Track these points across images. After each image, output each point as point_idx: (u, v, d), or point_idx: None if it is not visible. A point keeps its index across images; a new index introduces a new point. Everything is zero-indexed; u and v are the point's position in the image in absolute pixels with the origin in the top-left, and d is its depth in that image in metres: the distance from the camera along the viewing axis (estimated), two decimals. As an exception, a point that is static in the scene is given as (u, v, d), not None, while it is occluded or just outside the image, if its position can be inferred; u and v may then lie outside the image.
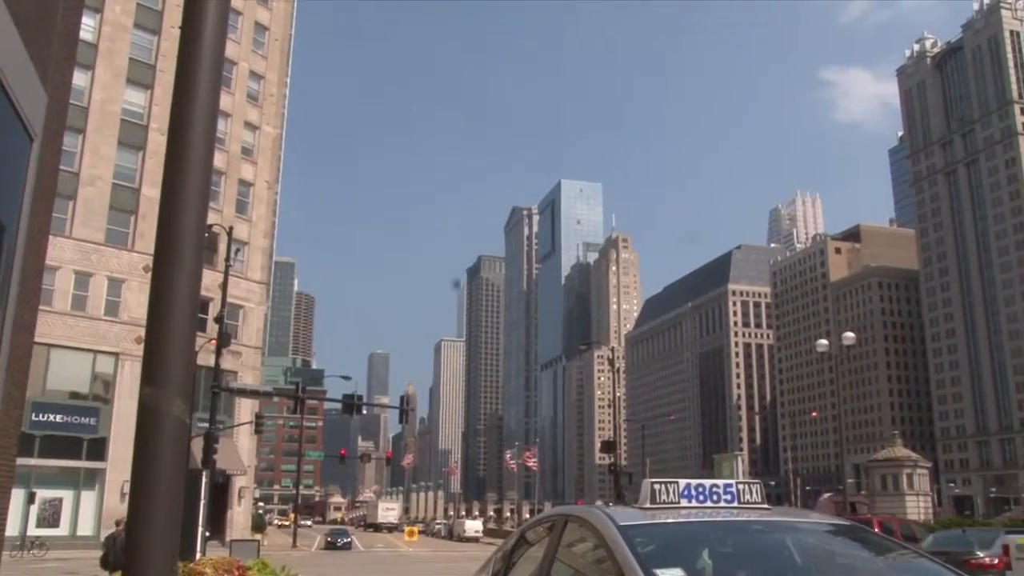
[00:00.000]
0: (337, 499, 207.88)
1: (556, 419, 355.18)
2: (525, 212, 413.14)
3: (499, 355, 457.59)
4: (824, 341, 49.50)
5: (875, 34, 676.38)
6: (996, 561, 15.48)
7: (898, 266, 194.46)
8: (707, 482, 5.15)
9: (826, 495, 79.87)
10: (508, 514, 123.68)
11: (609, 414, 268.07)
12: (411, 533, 62.71)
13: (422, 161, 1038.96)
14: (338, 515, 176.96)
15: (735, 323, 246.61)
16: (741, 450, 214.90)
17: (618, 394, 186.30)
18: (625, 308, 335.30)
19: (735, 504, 5.05)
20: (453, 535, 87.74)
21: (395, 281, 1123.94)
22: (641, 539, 4.43)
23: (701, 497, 5.03)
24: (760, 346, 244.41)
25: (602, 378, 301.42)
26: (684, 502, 5.00)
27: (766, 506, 5.16)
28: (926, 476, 57.89)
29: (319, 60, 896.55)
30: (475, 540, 79.03)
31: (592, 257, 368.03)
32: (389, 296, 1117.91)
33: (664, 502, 4.99)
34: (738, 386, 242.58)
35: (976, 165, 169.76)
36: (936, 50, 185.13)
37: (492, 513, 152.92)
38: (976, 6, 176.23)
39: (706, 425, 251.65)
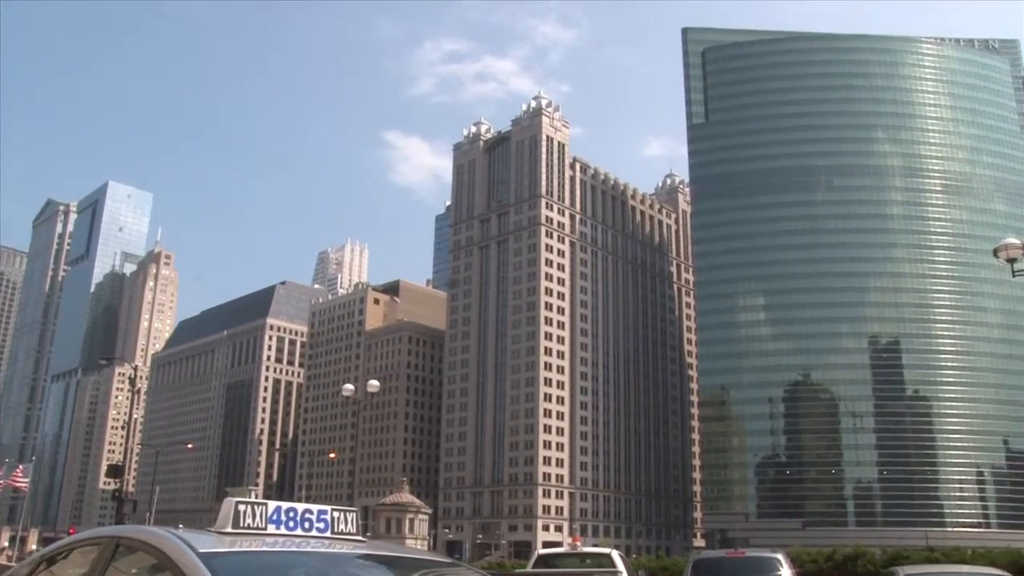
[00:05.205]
0: None
1: (61, 437, 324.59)
2: (62, 208, 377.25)
3: (2, 359, 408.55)
4: (350, 386, 52.60)
5: (436, 112, 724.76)
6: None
7: (428, 324, 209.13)
8: (299, 507, 4.76)
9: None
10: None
11: (122, 436, 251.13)
12: None
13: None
14: None
15: (268, 357, 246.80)
16: (257, 484, 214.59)
17: (136, 416, 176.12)
18: (157, 327, 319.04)
19: (328, 533, 4.75)
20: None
21: None
22: (227, 570, 3.97)
23: (292, 524, 4.67)
24: (290, 383, 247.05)
25: (120, 397, 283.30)
26: (272, 527, 4.61)
27: (361, 538, 4.92)
28: (426, 521, 63.17)
29: None
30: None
31: (130, 268, 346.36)
32: None
33: (249, 526, 4.54)
34: (263, 420, 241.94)
35: (506, 244, 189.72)
36: (488, 136, 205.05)
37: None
38: (524, 107, 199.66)
39: (225, 456, 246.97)
